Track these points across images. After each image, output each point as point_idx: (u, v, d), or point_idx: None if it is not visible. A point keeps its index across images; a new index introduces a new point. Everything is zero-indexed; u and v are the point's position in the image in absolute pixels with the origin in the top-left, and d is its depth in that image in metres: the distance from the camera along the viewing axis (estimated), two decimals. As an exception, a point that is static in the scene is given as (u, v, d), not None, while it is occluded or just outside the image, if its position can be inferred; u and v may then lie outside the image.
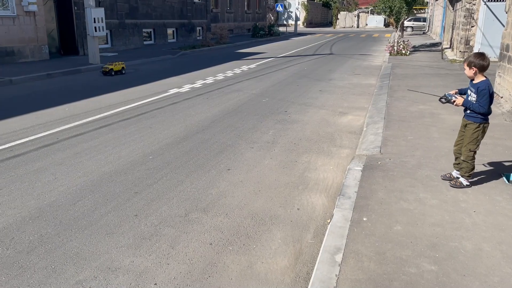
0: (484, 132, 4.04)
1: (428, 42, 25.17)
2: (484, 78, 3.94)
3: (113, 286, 2.90)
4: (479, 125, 3.99)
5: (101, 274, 3.03)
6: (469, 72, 3.97)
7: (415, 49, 20.38)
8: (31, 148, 5.78)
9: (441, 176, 4.43)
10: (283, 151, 5.76)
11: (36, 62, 14.58)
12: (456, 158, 4.29)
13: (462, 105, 4.05)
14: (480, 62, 3.87)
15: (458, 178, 4.22)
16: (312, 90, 10.29)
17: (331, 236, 3.32)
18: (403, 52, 17.45)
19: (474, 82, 4.00)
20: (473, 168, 4.13)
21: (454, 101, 4.07)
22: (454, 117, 6.83)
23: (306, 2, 52.29)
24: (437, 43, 23.82)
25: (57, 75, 12.44)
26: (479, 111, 3.94)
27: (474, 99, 3.96)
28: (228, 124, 7.12)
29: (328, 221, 3.73)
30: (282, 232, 3.62)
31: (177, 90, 10.17)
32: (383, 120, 6.88)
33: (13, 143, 5.97)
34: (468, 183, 4.17)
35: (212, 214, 3.95)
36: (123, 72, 12.70)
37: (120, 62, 12.76)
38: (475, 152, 4.09)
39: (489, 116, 4.04)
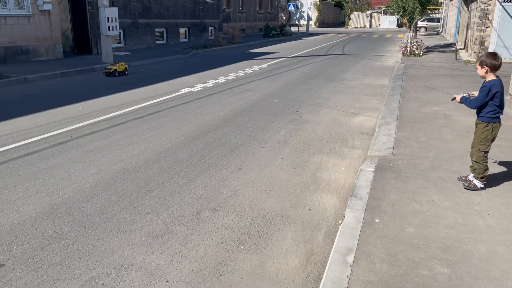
0: (493, 132, 4.01)
1: (442, 42, 24.91)
2: (495, 78, 3.94)
3: (125, 283, 2.93)
4: (487, 124, 3.99)
5: (113, 271, 3.06)
6: (480, 71, 3.98)
7: (429, 49, 20.19)
8: (46, 146, 5.86)
9: (458, 177, 4.38)
10: (294, 151, 5.75)
11: (51, 61, 14.77)
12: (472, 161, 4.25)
13: (460, 101, 4.14)
14: (492, 62, 3.88)
15: (472, 180, 4.17)
16: (324, 91, 10.25)
17: (343, 237, 3.31)
18: (416, 52, 17.29)
19: (485, 81, 4.00)
20: (486, 170, 4.09)
21: (455, 98, 4.19)
22: (468, 118, 6.75)
23: (318, 2, 52.09)
24: (451, 43, 23.56)
25: (71, 74, 12.59)
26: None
27: None
28: (239, 123, 7.13)
29: (340, 221, 3.72)
30: (293, 232, 3.62)
31: (189, 90, 10.22)
32: (396, 121, 6.83)
33: (28, 141, 6.06)
34: (482, 186, 4.12)
35: (223, 213, 3.96)
36: (126, 73, 12.51)
37: (123, 63, 12.63)
38: (485, 152, 4.05)
39: (501, 117, 4.00)
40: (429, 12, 40.92)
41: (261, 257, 3.26)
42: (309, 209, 4.05)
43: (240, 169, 5.08)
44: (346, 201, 4.14)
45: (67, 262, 3.16)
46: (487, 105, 3.95)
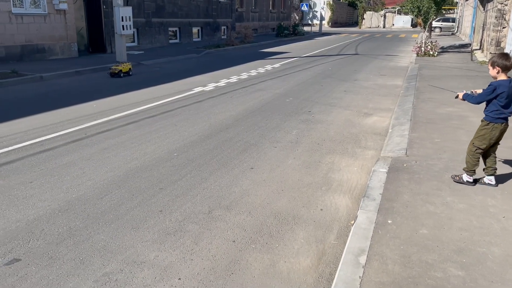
0: (493, 132, 4.04)
1: (457, 43, 24.59)
2: (506, 78, 3.97)
3: (138, 280, 2.96)
4: (488, 123, 4.07)
5: (127, 267, 3.09)
6: (492, 71, 4.04)
7: (443, 50, 19.95)
8: (61, 143, 5.95)
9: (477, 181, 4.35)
10: (306, 151, 5.74)
11: (65, 60, 14.97)
12: (484, 162, 4.24)
13: (462, 98, 4.24)
14: (503, 62, 3.93)
15: (462, 174, 4.25)
16: (337, 91, 10.21)
17: (355, 238, 3.29)
18: (431, 53, 17.10)
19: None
20: (475, 165, 4.16)
21: (458, 95, 4.31)
22: (484, 120, 6.65)
23: (331, 2, 51.84)
24: (466, 44, 23.25)
25: (85, 73, 12.74)
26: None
27: None
28: (251, 123, 7.14)
29: (352, 222, 3.70)
30: (305, 232, 3.61)
31: (202, 89, 10.27)
32: (409, 121, 6.77)
33: (43, 138, 6.15)
34: (470, 180, 4.21)
35: (235, 212, 3.98)
36: (130, 73, 12.20)
37: (127, 63, 12.36)
38: (478, 149, 4.12)
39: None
40: (444, 12, 40.42)
41: (272, 256, 3.26)
42: (321, 209, 4.04)
43: (252, 168, 5.09)
44: (358, 201, 4.12)
45: (81, 258, 3.20)
46: (491, 103, 4.02)
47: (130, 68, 12.35)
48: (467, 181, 4.22)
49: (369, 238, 3.27)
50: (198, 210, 4.00)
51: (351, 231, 3.44)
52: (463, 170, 4.27)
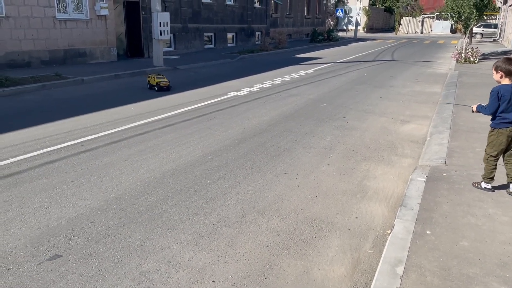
0: (499, 137, 4.01)
1: (499, 49, 23.69)
2: (509, 83, 3.95)
3: (173, 280, 3.00)
4: (493, 129, 4.09)
5: (162, 268, 3.15)
6: (496, 76, 4.05)
7: (485, 57, 19.27)
8: (100, 144, 6.14)
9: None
10: (341, 157, 5.67)
11: (105, 63, 15.47)
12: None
13: (476, 110, 4.23)
14: (506, 67, 3.94)
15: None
16: (372, 97, 10.04)
17: (392, 248, 3.21)
18: (472, 59, 16.55)
19: None
20: (491, 172, 4.13)
21: (472, 109, 4.32)
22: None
23: (367, 7, 51.18)
24: (509, 51, 22.35)
25: (124, 76, 13.12)
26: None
27: None
28: (285, 128, 7.13)
29: (389, 231, 3.62)
30: (340, 240, 3.56)
31: (236, 93, 10.35)
32: (449, 130, 6.57)
33: (84, 139, 6.37)
34: (488, 187, 4.18)
35: (268, 216, 3.97)
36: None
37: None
38: (490, 156, 4.11)
39: None
40: (485, 17, 39.05)
41: (306, 263, 3.23)
42: (356, 217, 3.97)
43: (285, 173, 5.07)
44: (395, 210, 4.03)
45: (119, 256, 3.29)
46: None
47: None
48: (485, 188, 4.21)
49: (406, 248, 3.19)
50: (231, 213, 4.03)
51: (388, 241, 3.37)
52: (481, 176, 4.27)
